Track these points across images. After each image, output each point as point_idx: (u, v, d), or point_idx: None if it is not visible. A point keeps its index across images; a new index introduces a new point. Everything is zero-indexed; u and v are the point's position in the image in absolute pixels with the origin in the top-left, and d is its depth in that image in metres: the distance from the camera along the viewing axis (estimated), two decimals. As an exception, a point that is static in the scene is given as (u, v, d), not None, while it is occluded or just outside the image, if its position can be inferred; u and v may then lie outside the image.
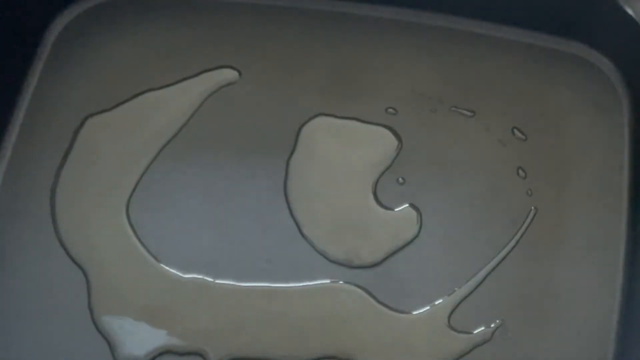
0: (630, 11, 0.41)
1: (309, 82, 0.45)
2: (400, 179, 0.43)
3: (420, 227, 0.42)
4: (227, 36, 0.46)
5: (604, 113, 0.44)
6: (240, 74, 0.45)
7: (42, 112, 0.45)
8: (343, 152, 0.43)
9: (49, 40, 0.46)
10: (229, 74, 0.45)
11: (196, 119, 0.44)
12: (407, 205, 0.42)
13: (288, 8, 0.46)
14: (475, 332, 0.40)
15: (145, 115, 0.44)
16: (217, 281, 0.41)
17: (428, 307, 0.40)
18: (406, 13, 0.46)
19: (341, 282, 0.41)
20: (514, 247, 0.41)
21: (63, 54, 0.46)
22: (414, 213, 0.42)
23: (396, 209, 0.42)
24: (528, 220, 0.42)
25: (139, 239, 0.42)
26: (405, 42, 0.45)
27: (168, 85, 0.45)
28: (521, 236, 0.41)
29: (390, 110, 0.44)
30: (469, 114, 0.44)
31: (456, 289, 0.41)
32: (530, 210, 0.42)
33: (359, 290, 0.40)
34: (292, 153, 0.43)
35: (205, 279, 0.41)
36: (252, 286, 0.41)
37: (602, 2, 0.42)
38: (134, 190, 0.43)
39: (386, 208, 0.42)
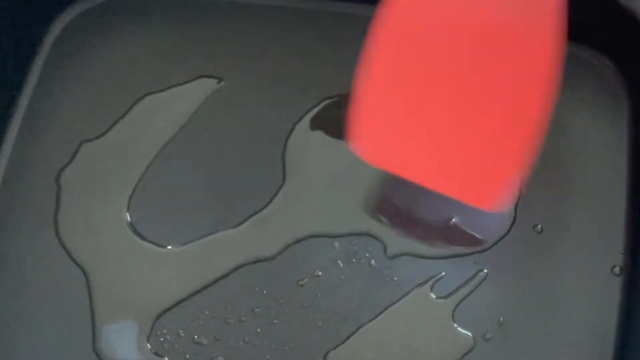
0: (630, 11, 0.41)
1: (307, 82, 0.45)
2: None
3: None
4: (228, 37, 0.46)
5: (604, 113, 0.44)
6: (238, 73, 0.45)
7: (42, 112, 0.45)
8: (338, 149, 0.43)
9: (49, 40, 0.46)
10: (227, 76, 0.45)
11: (195, 119, 0.44)
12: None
13: (288, 8, 0.46)
14: (476, 332, 0.40)
15: (145, 117, 0.44)
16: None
17: (428, 307, 0.40)
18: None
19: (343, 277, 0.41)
20: (513, 246, 0.41)
21: (63, 54, 0.46)
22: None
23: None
24: (528, 220, 0.42)
25: (139, 239, 0.42)
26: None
27: (168, 88, 0.45)
28: (521, 235, 0.42)
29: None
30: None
31: (456, 289, 0.41)
32: (530, 210, 0.42)
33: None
34: (285, 150, 0.43)
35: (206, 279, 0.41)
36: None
37: (602, 2, 0.42)
38: (134, 190, 0.43)
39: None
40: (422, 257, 0.41)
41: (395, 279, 0.41)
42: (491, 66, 0.32)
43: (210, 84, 0.45)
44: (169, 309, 0.40)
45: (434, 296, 0.41)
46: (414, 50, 0.33)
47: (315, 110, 0.44)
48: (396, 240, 0.41)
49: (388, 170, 0.34)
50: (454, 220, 0.41)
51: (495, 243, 0.41)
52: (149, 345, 0.40)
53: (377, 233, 0.41)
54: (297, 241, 0.41)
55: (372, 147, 0.33)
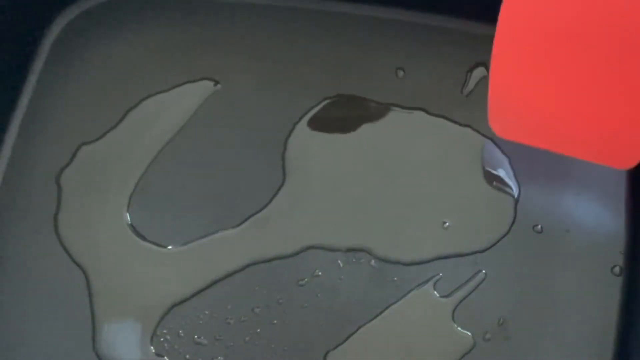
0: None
1: (307, 82, 0.45)
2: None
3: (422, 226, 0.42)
4: (228, 37, 0.46)
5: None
6: (238, 73, 0.45)
7: (42, 112, 0.45)
8: (338, 149, 0.43)
9: (49, 40, 0.46)
10: (226, 77, 0.45)
11: (196, 119, 0.44)
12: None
13: (288, 8, 0.46)
14: (476, 332, 0.40)
15: (145, 117, 0.44)
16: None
17: (428, 307, 0.40)
18: (406, 13, 0.46)
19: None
20: (513, 246, 0.41)
21: (63, 54, 0.46)
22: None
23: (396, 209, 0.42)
24: (528, 220, 0.42)
25: (139, 239, 0.42)
26: (405, 43, 0.45)
27: (168, 89, 0.45)
28: (521, 235, 0.42)
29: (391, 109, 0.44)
30: (466, 115, 0.44)
31: (456, 289, 0.41)
32: (530, 210, 0.42)
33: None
34: (285, 150, 0.43)
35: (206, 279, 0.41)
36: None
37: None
38: (134, 190, 0.43)
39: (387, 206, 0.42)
40: (422, 258, 0.41)
41: (395, 279, 0.41)
42: (623, 25, 0.32)
43: (207, 85, 0.45)
44: (169, 309, 0.40)
45: (434, 296, 0.41)
46: (544, 22, 0.32)
47: (315, 110, 0.44)
48: (394, 244, 0.41)
49: (527, 144, 0.36)
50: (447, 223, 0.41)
51: (495, 243, 0.41)
52: (149, 345, 0.40)
53: (376, 237, 0.41)
54: (297, 241, 0.41)
55: (511, 124, 0.35)
